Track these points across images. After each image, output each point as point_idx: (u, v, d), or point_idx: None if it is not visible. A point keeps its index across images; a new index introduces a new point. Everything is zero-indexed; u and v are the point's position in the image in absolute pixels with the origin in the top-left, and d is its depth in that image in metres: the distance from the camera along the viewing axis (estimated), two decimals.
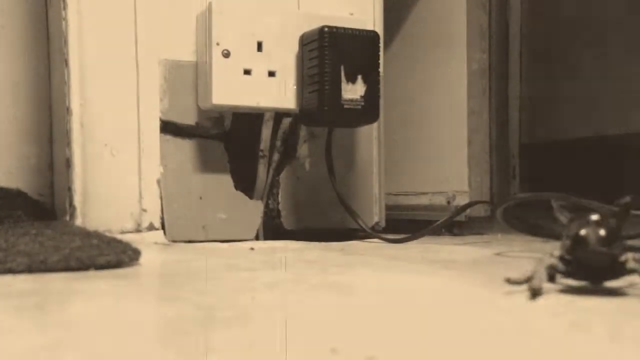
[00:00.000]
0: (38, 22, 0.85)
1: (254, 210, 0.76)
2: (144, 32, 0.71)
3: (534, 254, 0.60)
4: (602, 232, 0.37)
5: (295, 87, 0.72)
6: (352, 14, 0.79)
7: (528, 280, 0.38)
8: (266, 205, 0.77)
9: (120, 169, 0.71)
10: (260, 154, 0.76)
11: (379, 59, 0.73)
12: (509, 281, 0.38)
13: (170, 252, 0.62)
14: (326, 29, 0.70)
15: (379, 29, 0.81)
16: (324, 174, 0.77)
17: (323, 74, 0.69)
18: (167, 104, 0.73)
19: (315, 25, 0.71)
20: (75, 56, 0.69)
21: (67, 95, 0.70)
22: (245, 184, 0.76)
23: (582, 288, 0.39)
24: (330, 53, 0.69)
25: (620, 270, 0.37)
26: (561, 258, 0.38)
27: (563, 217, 0.42)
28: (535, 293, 0.36)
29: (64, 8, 0.69)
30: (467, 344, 0.27)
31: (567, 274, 0.38)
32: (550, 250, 0.39)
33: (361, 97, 0.71)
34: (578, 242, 0.37)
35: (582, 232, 0.37)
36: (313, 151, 0.79)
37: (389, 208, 0.87)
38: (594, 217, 0.38)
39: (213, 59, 0.69)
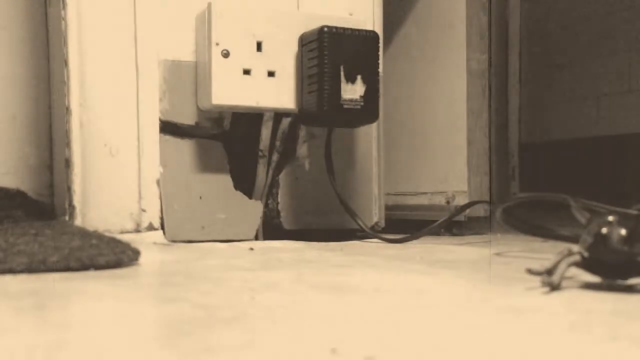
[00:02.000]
0: (38, 22, 0.85)
1: (253, 210, 0.76)
2: (144, 32, 0.71)
3: (534, 254, 0.60)
4: (623, 231, 0.38)
5: (294, 87, 0.72)
6: (351, 14, 0.79)
7: (548, 272, 0.39)
8: (266, 205, 0.77)
9: (120, 169, 0.71)
10: (260, 154, 0.76)
11: (378, 59, 0.73)
12: (530, 272, 0.40)
13: (169, 252, 0.62)
14: (326, 29, 0.70)
15: (379, 29, 0.81)
16: (324, 174, 0.77)
17: (322, 74, 0.69)
18: (166, 104, 0.73)
19: (314, 25, 0.71)
20: (75, 56, 0.69)
21: (66, 95, 0.70)
22: (244, 184, 0.76)
23: (596, 285, 0.40)
24: (330, 53, 0.69)
25: (638, 269, 0.38)
26: (580, 255, 0.39)
27: (581, 217, 0.43)
28: (554, 288, 0.38)
29: (64, 8, 0.69)
30: (466, 344, 0.27)
31: (586, 270, 0.39)
32: (569, 247, 0.40)
33: (361, 97, 0.71)
34: (599, 240, 0.38)
35: (604, 230, 0.38)
36: (312, 151, 0.79)
37: (388, 208, 0.87)
38: (612, 217, 0.39)
39: (213, 59, 0.69)
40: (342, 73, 0.70)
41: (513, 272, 0.49)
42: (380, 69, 0.74)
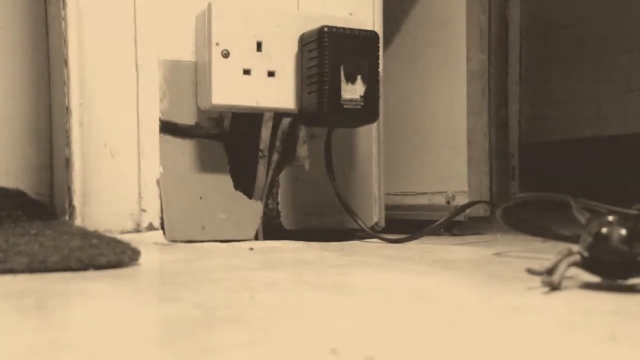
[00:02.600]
0: (37, 22, 0.85)
1: (253, 210, 0.76)
2: (144, 32, 0.71)
3: (534, 254, 0.60)
4: (623, 231, 0.38)
5: (294, 87, 0.72)
6: (351, 14, 0.79)
7: (548, 272, 0.39)
8: (266, 205, 0.77)
9: (120, 169, 0.71)
10: (260, 154, 0.76)
11: (378, 59, 0.73)
12: (530, 272, 0.40)
13: (169, 252, 0.62)
14: (326, 29, 0.70)
15: (379, 29, 0.81)
16: (324, 174, 0.77)
17: (322, 74, 0.69)
18: (166, 104, 0.73)
19: (314, 25, 0.71)
20: (74, 56, 0.69)
21: (66, 95, 0.70)
22: (244, 184, 0.76)
23: (596, 285, 0.40)
24: (330, 53, 0.69)
25: (638, 269, 0.38)
26: (580, 255, 0.39)
27: (581, 217, 0.44)
28: (554, 288, 0.38)
29: (63, 7, 0.69)
30: (466, 344, 0.27)
31: (586, 270, 0.39)
32: (569, 247, 0.40)
33: (361, 97, 0.71)
34: (600, 239, 0.38)
35: (604, 230, 0.38)
36: (312, 151, 0.79)
37: (388, 208, 0.87)
38: (612, 217, 0.39)
39: (213, 59, 0.69)
40: (342, 73, 0.70)
41: (513, 272, 0.49)
42: (380, 69, 0.74)
